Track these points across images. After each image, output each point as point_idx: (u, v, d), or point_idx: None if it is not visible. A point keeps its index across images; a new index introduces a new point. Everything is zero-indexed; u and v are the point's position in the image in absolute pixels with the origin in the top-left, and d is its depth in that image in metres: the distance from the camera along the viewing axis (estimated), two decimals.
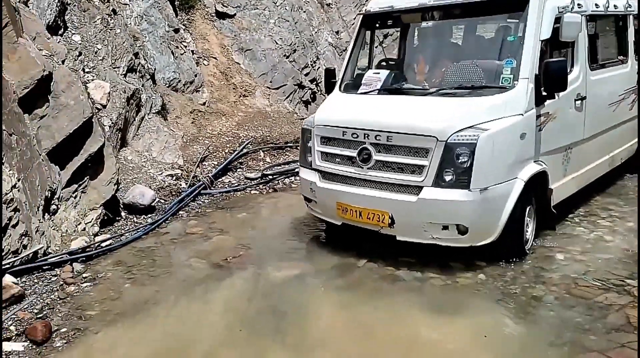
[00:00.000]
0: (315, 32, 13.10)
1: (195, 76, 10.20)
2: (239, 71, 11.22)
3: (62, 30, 7.25)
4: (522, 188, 4.89)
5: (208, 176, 7.89)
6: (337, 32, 13.66)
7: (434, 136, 4.70)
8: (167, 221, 6.54)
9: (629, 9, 6.83)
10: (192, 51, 10.57)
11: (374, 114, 5.15)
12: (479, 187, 4.65)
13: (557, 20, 5.17)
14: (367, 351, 3.95)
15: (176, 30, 10.34)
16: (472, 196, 4.65)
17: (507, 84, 4.98)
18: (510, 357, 3.85)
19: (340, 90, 5.90)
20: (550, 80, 4.96)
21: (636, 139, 7.33)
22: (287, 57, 11.88)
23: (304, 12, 13.08)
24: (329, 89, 6.02)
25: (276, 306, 4.59)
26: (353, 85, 5.84)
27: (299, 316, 4.46)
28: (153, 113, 8.39)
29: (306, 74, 11.97)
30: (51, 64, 5.97)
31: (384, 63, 6.29)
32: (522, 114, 4.90)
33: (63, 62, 6.52)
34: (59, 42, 6.93)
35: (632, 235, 5.67)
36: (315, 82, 12.20)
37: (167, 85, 9.52)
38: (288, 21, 12.31)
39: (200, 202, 7.33)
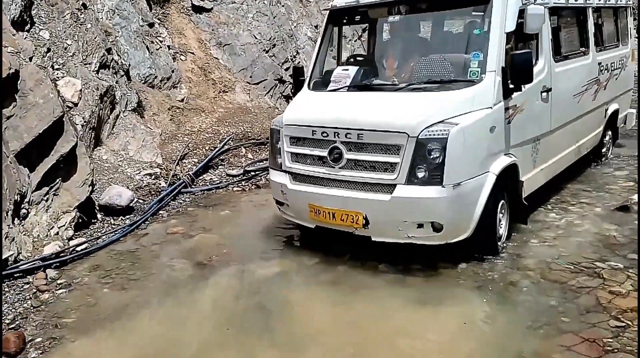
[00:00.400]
0: (295, 27, 13.04)
1: (173, 71, 10.07)
2: (218, 66, 11.11)
3: (28, 25, 7.06)
4: (494, 182, 4.88)
5: (188, 174, 7.82)
6: (316, 27, 13.59)
7: (405, 132, 4.64)
8: (146, 222, 6.45)
9: (587, 1, 6.99)
10: (169, 46, 10.43)
11: (343, 112, 5.06)
12: (452, 183, 4.61)
13: (521, 12, 5.18)
14: (355, 345, 3.97)
15: (151, 25, 10.19)
16: (445, 192, 4.60)
17: (475, 78, 4.96)
18: (491, 343, 3.96)
19: (309, 88, 5.81)
20: (517, 72, 4.96)
21: (600, 129, 7.61)
22: (267, 51, 11.80)
23: (283, 6, 12.99)
24: (298, 87, 5.93)
25: (262, 304, 4.58)
26: (322, 82, 5.76)
27: (286, 313, 4.47)
28: (129, 111, 8.26)
29: (286, 69, 11.92)
30: (18, 61, 5.81)
31: (352, 59, 6.26)
32: (491, 108, 4.88)
33: (31, 59, 6.38)
34: (25, 39, 6.77)
35: (600, 219, 5.96)
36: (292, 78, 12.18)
37: (143, 81, 9.38)
38: (267, 15, 12.21)
39: (181, 201, 7.26)
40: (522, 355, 3.77)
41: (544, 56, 5.74)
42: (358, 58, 6.37)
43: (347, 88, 5.44)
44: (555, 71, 5.94)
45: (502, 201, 5.23)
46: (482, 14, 5.20)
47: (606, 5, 7.72)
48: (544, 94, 5.73)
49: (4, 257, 4.85)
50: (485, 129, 4.85)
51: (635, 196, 6.24)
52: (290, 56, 12.24)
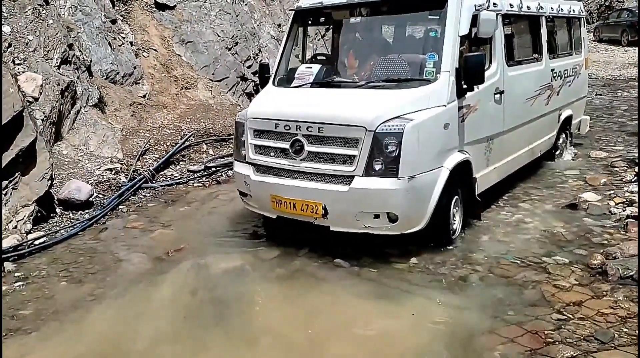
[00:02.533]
0: (257, 25, 13.09)
1: (135, 68, 10.03)
2: (180, 63, 11.09)
3: None
4: (447, 176, 5.09)
5: (149, 169, 7.82)
6: (279, 25, 13.68)
7: (362, 126, 4.82)
8: (106, 217, 6.46)
9: (540, 10, 7.20)
10: (131, 43, 10.38)
11: (305, 106, 5.25)
12: (406, 175, 4.80)
13: (475, 18, 5.40)
14: (310, 338, 4.07)
15: (113, 22, 10.13)
16: (400, 184, 4.80)
17: (430, 77, 5.19)
18: (439, 334, 4.07)
19: (273, 84, 5.98)
20: (469, 73, 5.19)
21: (554, 133, 7.88)
22: (229, 49, 11.83)
23: (246, 4, 13.03)
24: (264, 84, 6.08)
25: (219, 298, 4.62)
26: (286, 79, 5.95)
27: (241, 306, 4.51)
28: (90, 106, 8.22)
29: (249, 67, 11.95)
30: None
31: (316, 58, 6.40)
32: (445, 106, 5.10)
33: None
34: None
35: (549, 216, 6.13)
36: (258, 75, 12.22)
37: (105, 77, 9.33)
38: (229, 14, 12.24)
39: (142, 196, 7.27)
40: (467, 346, 3.89)
41: (496, 59, 5.96)
42: (321, 57, 6.53)
43: (310, 84, 5.63)
44: (508, 74, 6.17)
45: (456, 196, 5.44)
46: (438, 17, 5.42)
47: (559, 15, 7.96)
48: (497, 95, 5.97)
49: None
50: (439, 125, 5.07)
51: (585, 195, 6.50)
52: (253, 54, 12.29)
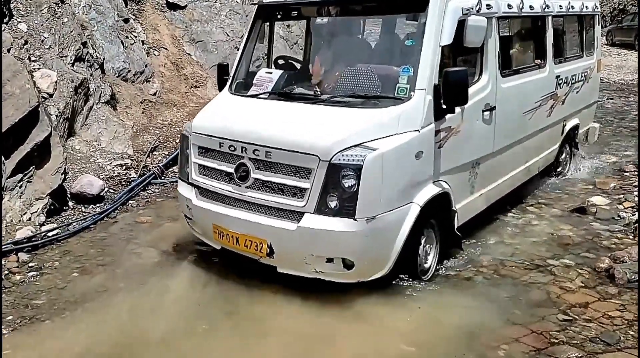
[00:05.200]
0: (295, 24, 13.15)
1: (146, 66, 10.13)
2: (190, 62, 11.19)
3: (7, 18, 7.11)
4: (417, 214, 4.37)
5: (158, 165, 7.88)
6: (288, 26, 13.75)
7: (315, 155, 4.08)
8: (116, 211, 6.51)
9: (546, 9, 6.26)
10: (143, 41, 10.49)
11: (254, 124, 4.52)
12: (365, 216, 4.07)
13: (462, 24, 4.56)
14: (319, 329, 4.12)
15: (126, 20, 10.25)
16: (357, 226, 4.07)
17: (402, 95, 4.38)
18: (445, 334, 4.08)
19: (230, 90, 5.23)
20: (450, 92, 4.38)
21: (556, 146, 7.10)
22: (238, 49, 11.90)
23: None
24: (222, 87, 5.36)
25: (230, 291, 4.62)
26: (245, 85, 5.21)
27: (253, 299, 4.50)
28: (102, 103, 8.31)
29: (257, 67, 11.97)
30: None
31: (281, 61, 5.69)
32: (417, 131, 4.33)
33: (9, 50, 6.44)
34: (4, 31, 6.80)
35: (557, 219, 6.11)
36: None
37: (117, 75, 9.43)
38: (239, 14, 12.34)
39: (151, 191, 7.31)
40: (471, 344, 3.90)
41: (488, 70, 5.11)
42: (285, 60, 5.77)
43: (267, 94, 4.90)
44: (501, 87, 5.33)
45: (430, 232, 4.76)
46: (416, 23, 4.62)
47: (569, 13, 6.97)
48: (487, 113, 5.11)
49: None
50: (410, 154, 4.31)
51: (594, 199, 6.45)
52: (262, 54, 12.37)
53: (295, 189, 4.20)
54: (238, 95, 5.13)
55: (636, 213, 6.03)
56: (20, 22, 7.34)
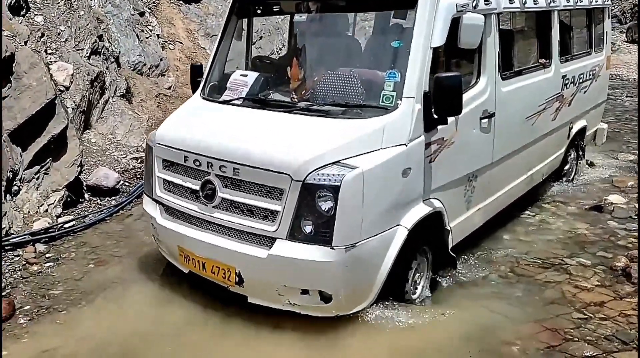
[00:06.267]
0: (281, 20, 13.15)
1: (161, 60, 10.19)
2: (205, 56, 11.20)
3: (24, 11, 7.16)
4: (404, 238, 3.88)
5: None
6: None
7: (287, 174, 3.59)
8: (131, 204, 6.55)
9: (552, 3, 5.76)
10: (158, 35, 10.54)
11: (222, 136, 4.00)
12: (344, 243, 3.58)
13: (456, 22, 4.06)
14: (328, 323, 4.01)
15: (141, 14, 10.31)
16: (335, 255, 3.57)
17: (388, 104, 3.88)
18: (459, 330, 4.06)
19: (202, 94, 4.74)
20: (442, 100, 3.86)
21: (561, 151, 6.62)
22: (254, 43, 11.92)
23: None
24: (196, 89, 4.88)
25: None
26: (219, 88, 4.70)
27: None
28: (117, 96, 8.37)
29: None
30: (13, 44, 5.93)
31: (259, 62, 5.19)
32: (405, 145, 3.83)
33: (25, 43, 6.48)
34: (21, 23, 6.86)
35: (573, 217, 6.07)
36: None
37: (132, 68, 9.49)
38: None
39: None
40: (485, 340, 3.90)
41: (486, 73, 4.61)
42: (264, 61, 5.31)
43: (241, 100, 4.42)
44: (501, 91, 4.83)
45: (422, 256, 4.31)
46: (404, 21, 4.13)
47: (577, 7, 6.50)
48: (485, 120, 4.62)
49: None
50: (396, 172, 3.81)
51: (610, 197, 6.38)
52: (277, 48, 12.39)
53: (266, 211, 3.73)
54: (209, 100, 4.64)
55: None
56: (37, 14, 7.39)
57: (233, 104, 4.42)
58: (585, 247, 5.35)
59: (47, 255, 5.15)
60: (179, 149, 4.09)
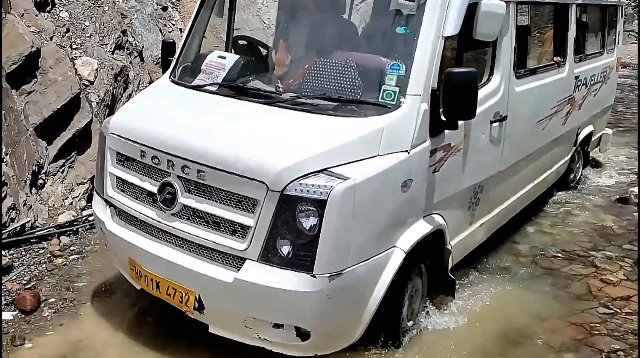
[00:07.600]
0: None
1: None
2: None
3: (50, 7, 7.26)
4: (401, 262, 3.28)
5: None
6: None
7: (262, 182, 2.96)
8: None
9: None
10: (180, 29, 10.60)
11: (187, 130, 3.34)
12: (328, 271, 2.96)
13: (472, 8, 3.48)
14: None
15: (164, 9, 10.39)
16: (316, 284, 2.96)
17: (389, 101, 3.27)
18: (482, 323, 4.03)
19: (172, 77, 4.08)
20: (452, 101, 3.26)
21: (567, 157, 6.20)
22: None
23: None
24: (167, 70, 4.24)
25: None
26: (192, 70, 4.06)
27: None
28: (140, 90, 8.46)
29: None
30: (39, 40, 6.03)
31: (242, 42, 4.58)
32: (407, 152, 3.24)
33: (51, 38, 6.57)
34: (46, 19, 6.96)
35: (599, 209, 6.04)
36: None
37: (155, 63, 9.56)
38: (276, 1, 12.34)
39: None
40: (509, 333, 3.89)
41: (500, 70, 4.06)
42: (246, 41, 4.65)
43: (216, 86, 3.78)
44: (515, 91, 4.31)
45: (417, 277, 3.75)
46: (412, 3, 3.41)
47: (594, 2, 6.15)
48: (496, 124, 4.07)
49: (22, 223, 5.06)
50: (395, 185, 3.22)
51: (636, 189, 6.31)
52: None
53: (235, 225, 3.09)
54: (179, 84, 3.99)
55: None
56: (62, 10, 7.49)
57: (206, 91, 3.77)
58: (611, 240, 5.34)
59: (71, 248, 5.22)
60: (135, 141, 3.44)
